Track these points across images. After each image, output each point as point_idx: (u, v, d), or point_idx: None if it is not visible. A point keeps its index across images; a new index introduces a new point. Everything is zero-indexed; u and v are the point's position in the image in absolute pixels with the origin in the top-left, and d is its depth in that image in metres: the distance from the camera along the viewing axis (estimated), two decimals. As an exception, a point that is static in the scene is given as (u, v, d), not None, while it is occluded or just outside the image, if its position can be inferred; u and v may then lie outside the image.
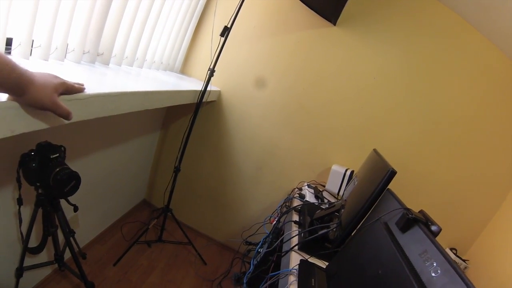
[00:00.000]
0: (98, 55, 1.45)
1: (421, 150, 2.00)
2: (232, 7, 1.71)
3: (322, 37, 2.00)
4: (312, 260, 1.29)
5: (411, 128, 1.99)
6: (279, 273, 1.24)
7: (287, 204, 1.91)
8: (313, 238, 1.32)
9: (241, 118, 2.24)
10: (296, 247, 1.32)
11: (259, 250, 1.82)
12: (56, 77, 0.73)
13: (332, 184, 1.93)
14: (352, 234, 1.17)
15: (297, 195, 1.88)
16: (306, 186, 1.97)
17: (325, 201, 1.86)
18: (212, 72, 1.80)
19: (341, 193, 1.90)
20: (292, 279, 1.14)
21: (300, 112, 2.11)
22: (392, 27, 1.90)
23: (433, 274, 0.68)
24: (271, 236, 1.73)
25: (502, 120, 1.88)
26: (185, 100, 1.77)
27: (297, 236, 1.39)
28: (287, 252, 1.33)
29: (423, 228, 0.80)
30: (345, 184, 1.88)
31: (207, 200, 2.52)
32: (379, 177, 1.07)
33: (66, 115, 0.74)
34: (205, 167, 2.45)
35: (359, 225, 1.14)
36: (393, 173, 1.00)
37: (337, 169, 1.92)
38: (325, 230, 1.34)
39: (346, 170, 1.89)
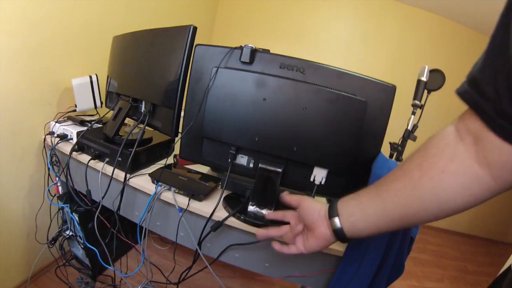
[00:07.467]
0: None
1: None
2: None
3: None
4: (156, 166, 1.06)
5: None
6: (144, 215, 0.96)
7: (55, 159, 1.36)
8: (136, 150, 1.03)
9: None
10: (128, 176, 1.01)
11: (70, 234, 1.34)
12: None
13: (84, 101, 1.48)
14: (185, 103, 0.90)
15: (58, 140, 1.35)
16: (57, 125, 1.40)
17: (93, 120, 1.43)
18: None
19: (98, 103, 1.50)
20: (169, 196, 0.90)
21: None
22: None
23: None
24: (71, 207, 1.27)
25: None
26: None
27: (113, 169, 1.04)
28: (122, 191, 1.00)
29: (265, 51, 0.79)
30: (98, 91, 1.49)
31: None
32: (178, 41, 0.90)
33: None
34: None
35: (185, 93, 0.90)
36: (195, 28, 0.86)
37: (79, 82, 1.45)
38: (141, 131, 1.06)
39: (91, 77, 1.46)
